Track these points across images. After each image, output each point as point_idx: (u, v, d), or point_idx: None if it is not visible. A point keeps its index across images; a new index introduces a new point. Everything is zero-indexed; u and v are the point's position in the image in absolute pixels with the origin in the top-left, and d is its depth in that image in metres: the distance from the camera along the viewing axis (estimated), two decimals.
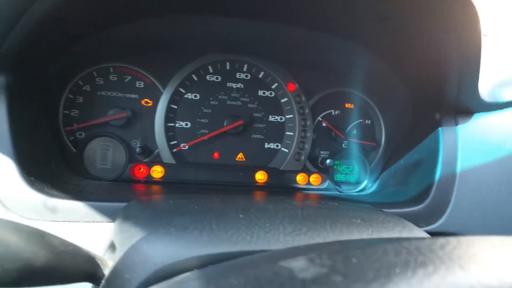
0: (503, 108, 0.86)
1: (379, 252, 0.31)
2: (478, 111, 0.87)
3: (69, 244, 0.45)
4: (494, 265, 0.29)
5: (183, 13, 0.89)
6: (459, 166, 0.85)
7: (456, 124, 0.87)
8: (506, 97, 0.85)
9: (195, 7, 0.86)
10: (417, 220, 0.80)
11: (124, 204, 0.69)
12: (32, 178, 0.70)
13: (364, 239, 0.43)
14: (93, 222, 0.70)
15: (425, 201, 0.83)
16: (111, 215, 0.69)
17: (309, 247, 0.41)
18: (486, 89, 0.82)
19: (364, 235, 0.49)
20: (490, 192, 0.84)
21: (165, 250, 0.45)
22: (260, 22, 0.92)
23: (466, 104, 0.85)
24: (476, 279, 0.28)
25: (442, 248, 0.31)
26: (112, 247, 0.53)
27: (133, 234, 0.50)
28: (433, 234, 0.77)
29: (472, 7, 0.69)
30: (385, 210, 0.78)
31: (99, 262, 0.48)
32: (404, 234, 0.51)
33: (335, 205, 0.69)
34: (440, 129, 0.87)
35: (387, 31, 0.85)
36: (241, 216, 0.54)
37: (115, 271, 0.47)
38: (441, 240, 0.34)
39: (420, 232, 0.54)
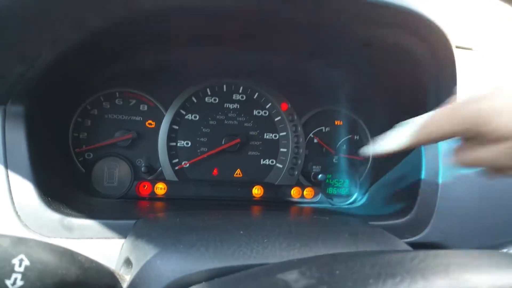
0: None
1: (358, 265, 0.38)
2: None
3: (92, 261, 0.51)
4: (454, 276, 0.36)
5: (187, 46, 0.96)
6: (441, 179, 0.91)
7: None
8: None
9: (199, 41, 0.93)
10: (403, 231, 0.86)
11: (132, 221, 0.76)
12: (49, 198, 0.76)
13: (348, 253, 0.50)
14: (105, 238, 0.76)
15: (410, 213, 0.89)
16: (122, 232, 0.76)
17: (302, 261, 0.48)
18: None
19: (350, 249, 0.56)
20: (470, 203, 0.91)
21: (176, 265, 0.52)
22: (255, 51, 0.99)
23: None
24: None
25: (411, 261, 0.38)
26: (128, 262, 0.60)
27: (148, 251, 0.56)
28: (418, 244, 0.84)
29: (437, 27, 0.75)
30: (372, 222, 0.84)
31: (117, 276, 0.54)
32: (387, 247, 0.58)
33: (326, 220, 0.76)
34: None
35: (368, 54, 0.91)
36: (241, 232, 0.61)
37: (132, 285, 0.53)
38: (412, 253, 0.41)
39: (401, 244, 0.61)
